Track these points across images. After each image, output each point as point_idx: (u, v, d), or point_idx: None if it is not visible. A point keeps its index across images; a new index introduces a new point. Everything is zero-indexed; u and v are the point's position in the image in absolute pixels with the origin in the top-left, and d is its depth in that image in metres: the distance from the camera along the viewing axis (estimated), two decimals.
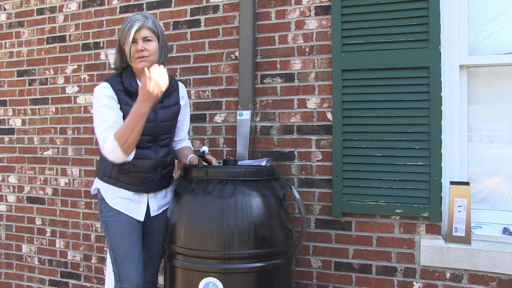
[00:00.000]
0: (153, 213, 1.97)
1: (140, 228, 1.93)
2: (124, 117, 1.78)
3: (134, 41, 1.81)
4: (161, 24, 1.96)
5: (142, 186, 1.91)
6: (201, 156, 1.97)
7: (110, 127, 1.76)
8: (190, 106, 2.54)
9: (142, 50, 1.81)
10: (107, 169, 1.89)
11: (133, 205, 1.90)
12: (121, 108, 1.82)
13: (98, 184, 1.95)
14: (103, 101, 1.81)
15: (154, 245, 2.01)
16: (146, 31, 1.82)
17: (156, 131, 1.89)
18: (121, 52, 1.88)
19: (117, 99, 1.82)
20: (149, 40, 1.83)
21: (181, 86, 2.06)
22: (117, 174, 1.88)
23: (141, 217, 1.92)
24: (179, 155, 2.11)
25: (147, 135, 1.84)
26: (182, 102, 2.04)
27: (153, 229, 1.99)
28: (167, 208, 2.04)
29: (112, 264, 1.91)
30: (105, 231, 1.92)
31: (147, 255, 1.99)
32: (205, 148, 2.06)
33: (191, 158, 2.05)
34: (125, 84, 1.85)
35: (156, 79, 1.70)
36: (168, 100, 1.95)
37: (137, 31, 1.80)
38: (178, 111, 2.02)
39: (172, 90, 1.96)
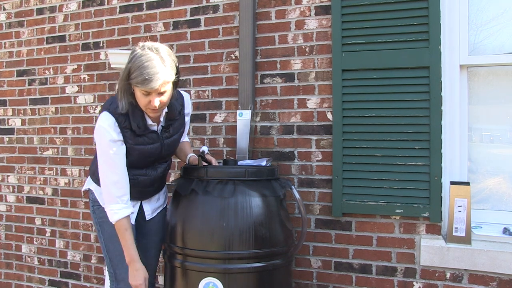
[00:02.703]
0: (148, 216, 1.98)
1: (134, 229, 1.92)
2: (127, 150, 1.74)
3: (148, 94, 1.63)
4: (174, 55, 1.71)
5: (138, 196, 1.90)
6: (201, 156, 1.97)
7: (120, 187, 1.73)
8: None
9: (156, 106, 1.64)
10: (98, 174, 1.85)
11: None
12: (125, 142, 1.74)
13: (91, 186, 1.94)
14: (111, 149, 1.69)
15: (151, 246, 2.01)
16: (165, 86, 1.63)
17: (160, 157, 1.87)
18: (128, 90, 1.68)
19: (122, 139, 1.72)
20: (165, 92, 1.65)
21: (186, 100, 1.95)
22: None
23: (132, 221, 1.88)
24: (178, 152, 2.10)
25: (150, 161, 1.84)
26: (187, 118, 1.99)
27: (149, 230, 1.99)
28: (161, 210, 2.05)
29: (107, 264, 1.90)
30: (99, 232, 1.91)
31: (144, 256, 1.98)
32: (205, 148, 2.06)
33: (191, 158, 2.04)
34: (132, 126, 1.72)
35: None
36: (175, 125, 1.88)
37: (154, 88, 1.59)
38: (183, 129, 1.97)
39: (178, 115, 1.88)
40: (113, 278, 1.89)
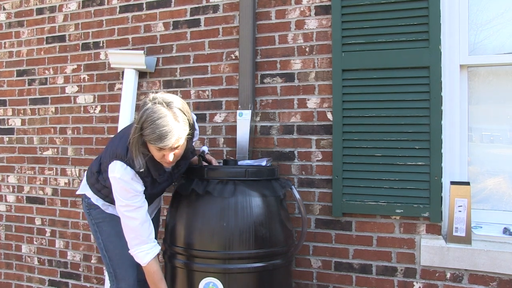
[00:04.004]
0: None
1: None
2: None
3: (162, 150, 1.59)
4: (187, 106, 1.66)
5: None
6: (201, 156, 1.97)
7: (148, 231, 1.73)
8: (190, 106, 2.55)
9: (171, 160, 1.63)
10: (98, 186, 1.85)
11: None
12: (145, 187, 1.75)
13: (87, 192, 1.92)
14: (136, 199, 1.68)
15: None
16: (178, 142, 1.59)
17: (169, 184, 1.90)
18: (141, 142, 1.61)
19: (144, 187, 1.73)
20: (179, 147, 1.62)
21: (196, 133, 1.89)
22: (107, 194, 1.83)
23: None
24: None
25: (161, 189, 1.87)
26: (195, 138, 1.97)
27: None
28: (157, 211, 2.08)
29: (106, 265, 1.90)
30: (96, 233, 1.90)
31: None
32: (205, 148, 2.06)
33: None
34: (153, 175, 1.72)
35: None
36: (185, 162, 1.87)
37: (168, 146, 1.56)
38: (192, 155, 1.95)
39: (190, 154, 1.87)
40: (113, 278, 1.88)
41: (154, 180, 1.76)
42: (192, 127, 1.66)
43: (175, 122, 1.55)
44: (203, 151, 2.02)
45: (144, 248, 1.71)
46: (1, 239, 3.14)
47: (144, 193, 1.74)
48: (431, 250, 2.04)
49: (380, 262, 2.16)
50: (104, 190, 1.84)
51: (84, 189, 1.95)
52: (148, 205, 1.92)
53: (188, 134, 1.63)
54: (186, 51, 2.58)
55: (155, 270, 1.72)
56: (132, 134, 1.61)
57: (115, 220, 1.83)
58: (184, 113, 1.60)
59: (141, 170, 1.64)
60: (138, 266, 1.91)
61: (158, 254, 1.76)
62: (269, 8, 2.40)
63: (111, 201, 1.80)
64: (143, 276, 2.02)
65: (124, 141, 1.69)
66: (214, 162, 2.01)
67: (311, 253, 2.30)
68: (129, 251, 1.73)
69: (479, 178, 2.18)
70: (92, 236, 2.83)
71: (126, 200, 1.68)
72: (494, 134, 2.19)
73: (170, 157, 1.60)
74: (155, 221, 2.07)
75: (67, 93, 2.93)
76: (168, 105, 1.57)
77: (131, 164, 1.65)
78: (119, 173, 1.65)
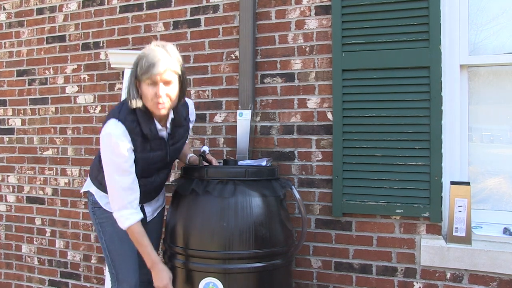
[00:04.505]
0: (149, 218, 1.98)
1: None
2: (135, 159, 1.72)
3: (154, 83, 1.63)
4: (179, 55, 1.73)
5: (140, 200, 1.87)
6: (202, 156, 1.97)
7: (131, 193, 1.71)
8: None
9: (162, 97, 1.64)
10: (102, 180, 1.82)
11: None
12: (134, 152, 1.72)
13: (91, 188, 1.92)
14: (121, 157, 1.66)
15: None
16: (169, 74, 1.64)
17: (165, 163, 1.88)
18: (136, 86, 1.68)
19: (133, 148, 1.71)
20: (170, 83, 1.66)
21: (191, 108, 1.97)
22: None
23: None
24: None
25: (155, 168, 1.83)
26: (191, 125, 2.01)
27: (149, 231, 1.98)
28: (160, 210, 2.07)
29: (109, 266, 1.89)
30: (100, 233, 1.90)
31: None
32: (205, 148, 2.06)
33: (191, 158, 2.05)
34: (144, 130, 1.70)
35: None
36: (180, 132, 1.89)
37: (158, 73, 1.61)
38: (187, 135, 1.98)
39: (184, 121, 1.89)
40: (114, 279, 1.88)
41: (146, 141, 1.73)
42: (183, 74, 1.72)
43: (167, 55, 1.64)
44: (204, 151, 2.02)
45: (124, 213, 1.70)
46: (1, 239, 3.15)
47: (137, 166, 1.73)
48: (431, 250, 2.04)
49: (380, 262, 2.16)
50: (103, 178, 1.81)
51: (88, 185, 1.95)
52: (148, 200, 1.93)
53: (179, 79, 1.70)
54: (186, 51, 2.58)
55: (137, 231, 1.71)
56: (129, 80, 1.69)
57: None
58: (178, 56, 1.70)
59: (137, 106, 1.66)
60: (140, 268, 1.92)
61: (140, 221, 1.73)
62: (269, 8, 2.40)
63: (105, 186, 1.79)
64: (146, 276, 2.03)
65: (118, 105, 1.76)
66: (215, 162, 2.01)
67: (311, 253, 2.30)
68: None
69: (479, 178, 2.18)
70: (92, 236, 2.83)
71: (113, 154, 1.66)
72: (494, 134, 2.19)
73: (162, 91, 1.62)
74: (159, 221, 2.06)
75: (67, 93, 2.93)
76: (162, 46, 1.68)
77: (123, 120, 1.67)
78: (110, 128, 1.66)
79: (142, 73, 1.62)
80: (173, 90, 1.68)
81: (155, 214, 2.02)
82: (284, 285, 1.90)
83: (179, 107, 1.81)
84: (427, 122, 2.06)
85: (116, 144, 1.65)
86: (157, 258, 1.74)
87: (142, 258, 1.95)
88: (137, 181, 1.74)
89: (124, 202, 1.70)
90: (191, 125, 2.00)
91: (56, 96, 2.96)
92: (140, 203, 1.90)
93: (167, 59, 1.63)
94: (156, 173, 1.87)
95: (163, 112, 1.68)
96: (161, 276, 1.72)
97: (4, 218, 3.14)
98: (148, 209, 1.97)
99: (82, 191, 1.99)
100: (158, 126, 1.75)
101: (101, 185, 1.86)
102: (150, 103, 1.66)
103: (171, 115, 1.79)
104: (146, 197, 1.91)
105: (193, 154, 2.07)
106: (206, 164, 1.99)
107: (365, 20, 2.16)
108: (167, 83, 1.64)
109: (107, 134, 1.67)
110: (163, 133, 1.79)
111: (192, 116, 1.99)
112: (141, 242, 1.72)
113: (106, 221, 1.86)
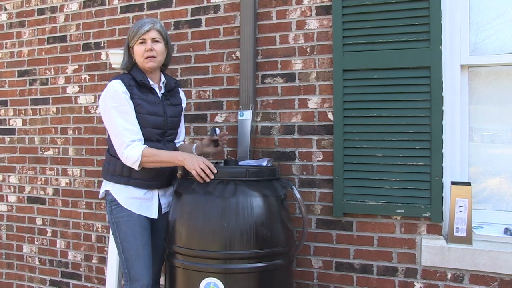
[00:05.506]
0: (164, 210, 2.01)
1: (150, 228, 1.95)
2: (136, 108, 1.87)
3: (143, 41, 1.91)
4: (163, 25, 2.04)
5: (155, 180, 1.94)
6: (213, 129, 2.08)
7: (133, 132, 1.85)
8: (191, 106, 2.56)
9: (151, 50, 1.90)
10: (117, 168, 1.91)
11: (145, 204, 1.93)
12: (132, 100, 1.88)
13: (107, 186, 1.96)
14: (119, 100, 1.85)
15: (160, 243, 2.02)
16: (155, 33, 1.92)
17: (165, 126, 1.97)
18: (129, 53, 1.98)
19: (129, 95, 1.88)
20: (157, 42, 1.93)
21: (180, 88, 2.17)
22: (129, 172, 1.89)
23: (154, 215, 1.95)
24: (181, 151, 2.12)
25: (157, 128, 1.93)
26: (183, 105, 2.15)
27: (160, 226, 2.00)
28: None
29: (122, 265, 1.92)
30: (115, 232, 1.92)
31: (153, 254, 1.99)
32: (217, 129, 2.10)
33: (197, 144, 2.15)
34: (138, 78, 1.91)
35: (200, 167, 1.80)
36: (173, 99, 2.06)
37: (146, 32, 1.90)
38: (181, 110, 2.13)
39: (175, 90, 2.09)
40: (127, 278, 1.90)
41: (141, 93, 1.90)
42: (168, 40, 2.00)
43: (152, 20, 1.97)
44: (214, 128, 2.10)
45: (129, 150, 1.82)
46: (2, 239, 3.15)
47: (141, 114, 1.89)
48: (432, 250, 2.04)
49: (381, 262, 2.16)
50: (117, 167, 1.91)
51: (104, 186, 1.99)
52: (161, 181, 1.98)
53: (165, 43, 1.97)
54: (187, 51, 2.58)
55: (150, 152, 1.83)
56: (123, 50, 1.98)
57: (133, 220, 1.88)
58: (162, 24, 1.99)
59: (128, 66, 1.96)
60: (153, 268, 1.94)
61: (146, 146, 1.85)
62: (270, 9, 2.40)
63: (121, 172, 1.91)
64: (155, 276, 2.06)
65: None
66: (226, 138, 2.13)
67: (312, 253, 2.30)
68: (121, 159, 1.86)
69: (480, 178, 2.18)
70: (93, 236, 2.83)
71: (112, 101, 1.85)
72: (495, 134, 2.19)
73: (150, 44, 1.89)
74: (167, 219, 2.06)
75: (68, 93, 2.93)
76: (151, 18, 2.00)
77: (120, 78, 1.90)
78: (109, 85, 1.88)
79: (132, 37, 1.91)
80: (160, 47, 1.94)
81: (169, 208, 2.02)
82: (285, 285, 1.90)
83: (168, 74, 2.07)
84: (428, 122, 2.06)
85: (114, 91, 1.85)
86: (180, 152, 1.91)
87: (153, 257, 1.96)
88: (139, 128, 1.87)
89: (127, 140, 1.82)
90: (184, 105, 2.16)
91: (57, 96, 2.97)
92: (154, 187, 1.96)
93: (153, 22, 1.94)
94: (162, 142, 1.96)
95: (152, 64, 1.92)
96: (191, 160, 1.81)
97: (5, 218, 3.14)
98: (163, 200, 2.02)
99: (100, 196, 2.03)
100: (151, 81, 1.96)
101: (114, 174, 1.92)
102: (141, 59, 1.91)
103: (163, 78, 2.02)
104: (159, 176, 1.94)
105: (198, 142, 2.19)
106: (216, 138, 2.07)
107: (365, 20, 2.16)
108: (154, 40, 1.91)
109: (106, 89, 1.89)
110: (156, 87, 1.97)
111: (182, 94, 2.18)
112: (157, 155, 1.84)
113: (122, 220, 1.89)
